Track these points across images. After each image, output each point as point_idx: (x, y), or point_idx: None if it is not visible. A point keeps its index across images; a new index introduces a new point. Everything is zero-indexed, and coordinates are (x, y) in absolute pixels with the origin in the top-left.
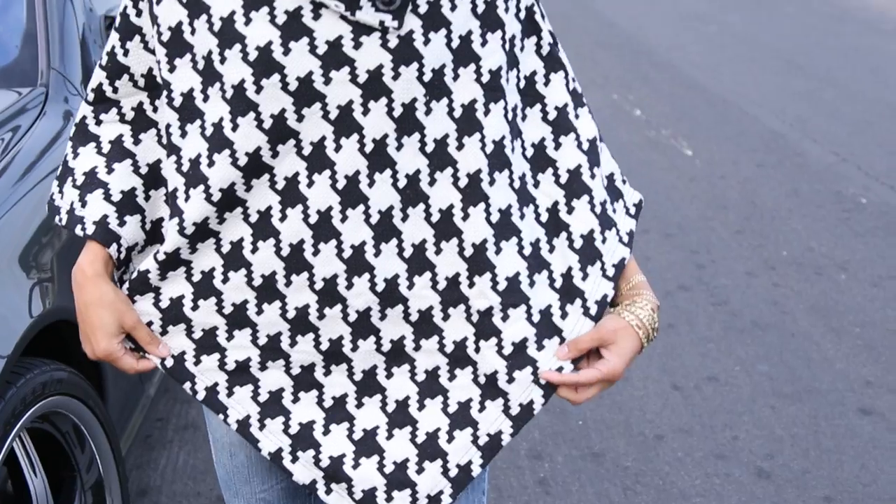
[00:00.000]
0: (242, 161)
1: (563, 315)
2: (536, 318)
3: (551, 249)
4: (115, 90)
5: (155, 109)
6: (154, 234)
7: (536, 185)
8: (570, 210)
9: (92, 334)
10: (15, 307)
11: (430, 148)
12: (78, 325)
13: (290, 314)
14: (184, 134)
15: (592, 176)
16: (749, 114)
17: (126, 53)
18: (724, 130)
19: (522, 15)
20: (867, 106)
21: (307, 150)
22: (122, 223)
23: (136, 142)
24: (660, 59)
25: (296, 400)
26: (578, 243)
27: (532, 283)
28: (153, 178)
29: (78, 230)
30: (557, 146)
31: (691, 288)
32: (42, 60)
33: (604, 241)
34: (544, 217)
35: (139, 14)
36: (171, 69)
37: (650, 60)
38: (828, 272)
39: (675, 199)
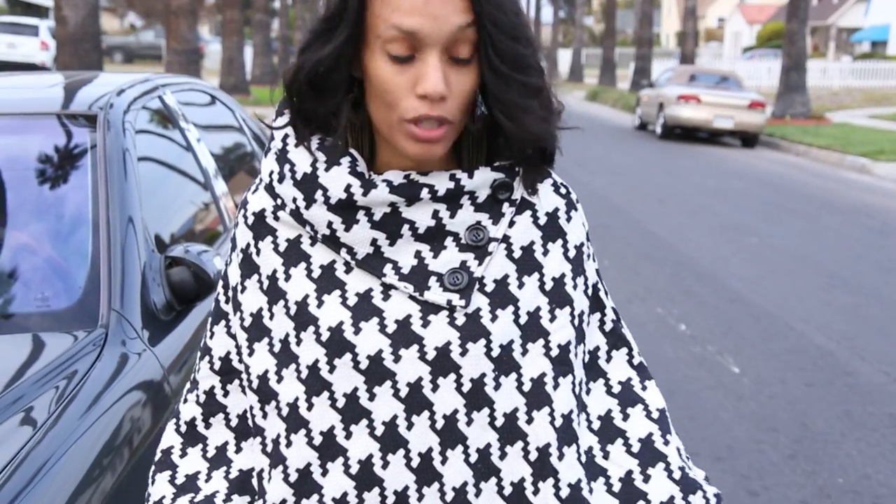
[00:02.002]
0: (317, 441)
1: None
2: None
3: None
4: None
5: (226, 395)
6: None
7: (606, 455)
8: (647, 478)
9: None
10: None
11: (499, 422)
12: None
13: None
14: (265, 415)
15: (666, 443)
16: (795, 329)
17: (212, 336)
18: (771, 346)
19: (589, 292)
20: None
21: (380, 431)
22: None
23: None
24: (702, 270)
25: None
26: None
27: None
28: (239, 483)
29: None
30: (626, 417)
31: None
32: (103, 302)
33: None
34: (617, 487)
35: (227, 301)
36: (251, 353)
37: (693, 272)
38: (887, 503)
39: (724, 420)
